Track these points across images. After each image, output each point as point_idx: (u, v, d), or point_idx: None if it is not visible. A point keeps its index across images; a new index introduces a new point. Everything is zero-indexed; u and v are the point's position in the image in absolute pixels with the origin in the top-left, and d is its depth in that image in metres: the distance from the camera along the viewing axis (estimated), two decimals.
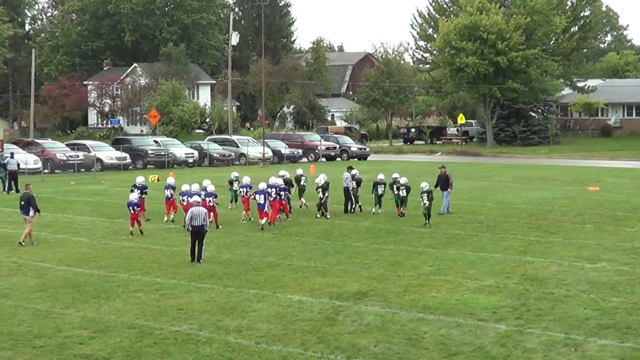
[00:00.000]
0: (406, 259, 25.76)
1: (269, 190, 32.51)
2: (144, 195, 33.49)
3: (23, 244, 28.55)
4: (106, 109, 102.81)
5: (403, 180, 34.73)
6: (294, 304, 20.14)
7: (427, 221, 32.30)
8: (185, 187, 32.47)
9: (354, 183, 36.01)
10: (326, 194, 34.51)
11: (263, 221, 31.77)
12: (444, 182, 35.80)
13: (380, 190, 35.64)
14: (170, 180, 34.72)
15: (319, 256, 26.34)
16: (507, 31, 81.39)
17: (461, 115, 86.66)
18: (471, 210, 36.61)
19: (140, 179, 34.49)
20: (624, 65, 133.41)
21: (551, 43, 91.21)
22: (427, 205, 32.30)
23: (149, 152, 64.32)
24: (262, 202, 31.90)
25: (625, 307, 19.73)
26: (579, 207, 37.57)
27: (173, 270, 24.25)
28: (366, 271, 23.93)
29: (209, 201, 31.60)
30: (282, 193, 33.12)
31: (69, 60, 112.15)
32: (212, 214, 31.41)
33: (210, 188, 32.67)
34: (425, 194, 32.36)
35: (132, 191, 32.69)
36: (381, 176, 36.02)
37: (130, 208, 30.82)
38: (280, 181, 33.54)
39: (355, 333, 17.80)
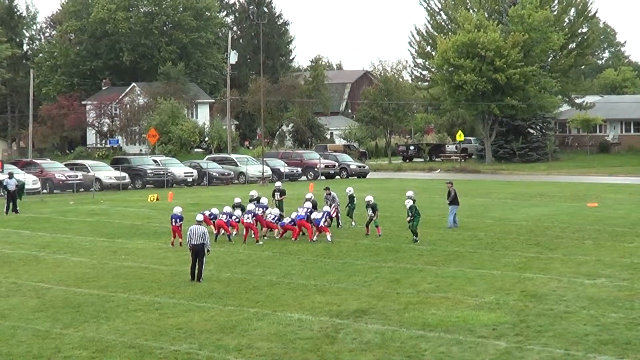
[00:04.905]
0: (406, 276, 25.74)
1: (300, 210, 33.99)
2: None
3: None
4: (105, 128, 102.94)
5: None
6: (294, 323, 20.12)
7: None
8: (250, 207, 33.94)
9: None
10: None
11: (329, 237, 32.75)
12: (454, 198, 36.63)
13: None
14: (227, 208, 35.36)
15: (319, 274, 26.32)
16: (505, 48, 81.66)
17: (460, 132, 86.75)
18: (470, 227, 36.61)
19: (254, 193, 36.61)
20: (622, 82, 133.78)
21: (549, 60, 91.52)
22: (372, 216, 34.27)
23: (148, 171, 64.34)
24: (318, 217, 33.07)
25: (624, 322, 19.72)
26: (577, 223, 37.57)
27: (173, 289, 24.22)
28: (366, 289, 23.92)
29: (247, 217, 33.22)
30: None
31: (68, 80, 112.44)
32: (251, 230, 33.20)
33: (250, 207, 34.01)
34: (370, 208, 34.18)
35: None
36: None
37: (173, 220, 32.01)
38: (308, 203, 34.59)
39: (356, 351, 17.78)
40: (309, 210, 33.49)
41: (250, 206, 34.03)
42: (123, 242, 33.87)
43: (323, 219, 32.98)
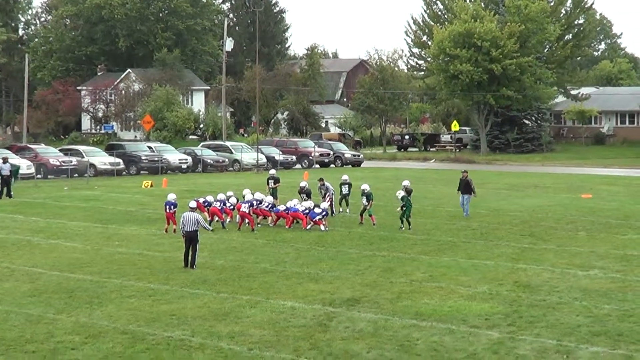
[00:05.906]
0: (399, 265, 25.77)
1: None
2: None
3: None
4: (100, 114, 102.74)
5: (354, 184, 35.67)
6: (286, 310, 20.14)
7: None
8: (248, 197, 34.12)
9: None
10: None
11: (322, 227, 32.80)
12: (465, 187, 37.00)
13: (344, 190, 37.45)
14: (221, 196, 35.28)
15: (312, 262, 26.33)
16: (501, 39, 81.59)
17: (455, 122, 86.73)
18: (464, 217, 36.62)
19: (247, 192, 35.50)
20: (618, 73, 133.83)
21: (545, 51, 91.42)
22: (366, 205, 34.34)
23: (143, 157, 64.24)
24: (317, 212, 33.23)
25: (617, 314, 19.76)
26: (571, 215, 37.63)
27: (166, 276, 24.22)
28: (359, 278, 23.94)
29: (244, 207, 33.11)
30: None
31: (63, 65, 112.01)
32: (246, 219, 33.02)
33: (248, 197, 34.10)
34: (365, 197, 34.26)
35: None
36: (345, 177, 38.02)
37: (167, 207, 31.91)
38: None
39: (348, 339, 17.80)
40: (308, 209, 33.36)
41: (249, 196, 34.04)
42: (117, 228, 33.84)
43: (320, 215, 32.96)
